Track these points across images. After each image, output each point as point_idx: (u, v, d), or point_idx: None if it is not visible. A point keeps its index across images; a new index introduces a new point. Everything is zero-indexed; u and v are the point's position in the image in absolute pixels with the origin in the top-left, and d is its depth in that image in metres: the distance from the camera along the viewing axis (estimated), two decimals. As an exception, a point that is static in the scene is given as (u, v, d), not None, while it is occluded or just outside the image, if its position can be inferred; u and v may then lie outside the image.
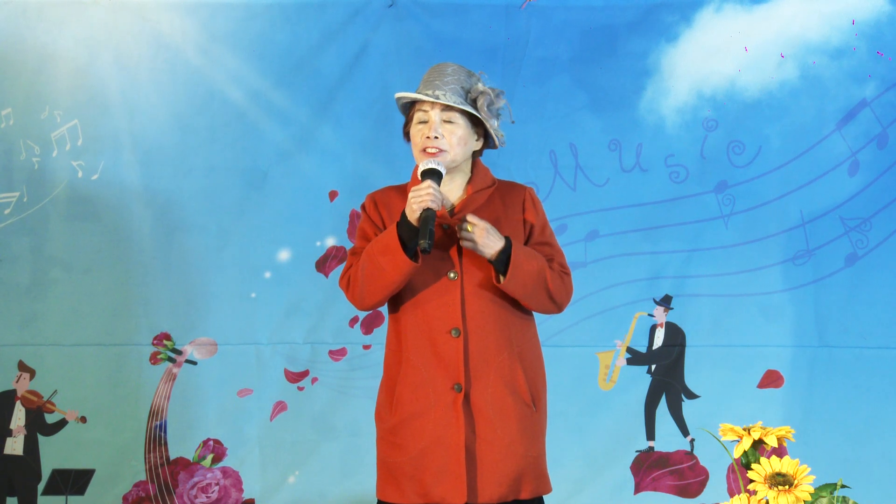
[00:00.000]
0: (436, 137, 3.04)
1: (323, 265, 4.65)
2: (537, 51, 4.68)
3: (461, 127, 3.08)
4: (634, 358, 4.69)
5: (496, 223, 3.09)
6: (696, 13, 4.69)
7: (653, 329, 4.70)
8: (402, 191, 3.17)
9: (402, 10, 4.65)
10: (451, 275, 3.06)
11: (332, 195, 4.66)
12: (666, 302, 4.68)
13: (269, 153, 4.65)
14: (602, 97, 4.68)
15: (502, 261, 3.01)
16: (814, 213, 4.67)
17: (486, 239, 2.99)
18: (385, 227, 3.11)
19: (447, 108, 3.06)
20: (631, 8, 4.68)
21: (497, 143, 3.15)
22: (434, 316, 3.04)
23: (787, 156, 4.68)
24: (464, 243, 3.01)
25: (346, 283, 3.11)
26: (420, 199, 2.95)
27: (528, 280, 3.04)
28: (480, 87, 3.10)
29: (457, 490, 3.00)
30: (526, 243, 3.14)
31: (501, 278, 3.03)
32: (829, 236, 4.66)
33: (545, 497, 3.17)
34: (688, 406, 4.68)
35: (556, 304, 3.14)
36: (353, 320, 4.63)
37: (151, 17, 4.60)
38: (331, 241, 4.66)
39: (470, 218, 3.00)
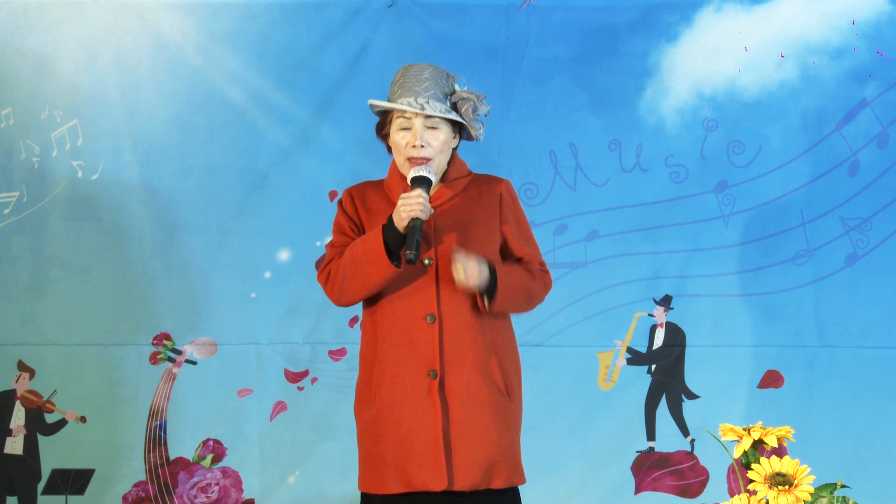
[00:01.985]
0: (422, 146, 3.05)
1: (323, 265, 4.65)
2: (537, 51, 4.67)
3: (444, 132, 3.09)
4: (634, 358, 4.69)
5: (469, 213, 3.11)
6: (696, 13, 4.68)
7: (653, 329, 4.69)
8: (379, 186, 3.21)
9: (402, 10, 4.65)
10: (426, 262, 3.07)
11: (332, 195, 4.65)
12: (666, 302, 4.68)
13: (269, 153, 4.64)
14: (602, 97, 4.68)
15: (489, 288, 3.05)
16: (814, 213, 4.67)
17: (479, 275, 3.02)
18: (360, 222, 3.15)
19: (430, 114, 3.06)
20: (631, 8, 4.68)
21: (475, 138, 3.16)
22: (409, 303, 3.06)
23: (788, 156, 4.68)
24: (463, 284, 3.03)
25: (325, 278, 3.14)
26: (410, 208, 2.97)
27: (513, 300, 3.12)
28: (463, 92, 3.10)
29: (437, 476, 3.01)
30: (504, 239, 3.16)
31: (487, 304, 3.07)
32: (829, 236, 4.66)
33: (531, 498, 3.17)
34: (688, 406, 4.68)
35: (533, 307, 3.23)
36: (353, 320, 4.63)
37: (151, 17, 4.59)
38: (331, 241, 4.65)
39: (460, 259, 3.01)
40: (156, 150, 4.61)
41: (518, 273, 3.12)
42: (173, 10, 4.60)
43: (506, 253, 3.19)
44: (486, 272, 3.03)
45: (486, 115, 3.16)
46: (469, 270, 2.99)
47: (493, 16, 4.65)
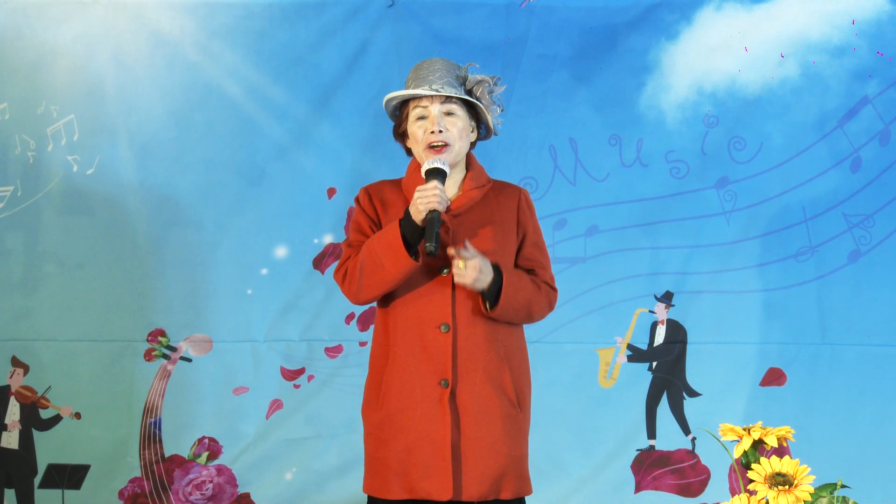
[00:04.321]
0: (440, 131, 3.03)
1: (320, 262, 4.63)
2: (537, 49, 4.67)
3: (461, 118, 3.08)
4: (635, 355, 4.67)
5: (489, 222, 3.09)
6: (696, 12, 4.67)
7: (654, 326, 4.68)
8: (397, 185, 3.18)
9: (402, 9, 4.64)
10: (444, 271, 3.05)
11: (331, 192, 4.64)
12: (667, 298, 4.66)
13: (267, 149, 4.64)
14: (602, 92, 4.68)
15: (493, 292, 3.02)
16: (816, 210, 4.65)
17: (479, 275, 2.98)
18: (379, 221, 3.12)
19: (447, 100, 3.05)
20: (631, 7, 4.67)
21: (493, 132, 3.14)
22: (424, 311, 3.04)
23: (789, 152, 4.67)
24: (458, 279, 2.99)
25: (343, 277, 3.11)
26: (427, 200, 2.95)
27: (514, 311, 3.07)
28: (477, 76, 3.09)
29: (443, 486, 3.00)
30: (518, 248, 3.14)
31: (488, 306, 3.04)
32: (831, 233, 4.65)
33: (531, 499, 3.15)
34: (689, 404, 4.66)
35: (532, 321, 3.18)
36: (350, 317, 4.61)
37: (150, 14, 4.60)
38: (328, 239, 4.64)
39: (463, 253, 2.98)
40: (152, 145, 4.60)
41: (525, 285, 3.08)
42: (172, 8, 4.60)
43: (518, 262, 3.17)
44: (489, 275, 3.00)
45: (500, 110, 3.13)
46: (469, 269, 2.96)
47: (492, 14, 4.65)
